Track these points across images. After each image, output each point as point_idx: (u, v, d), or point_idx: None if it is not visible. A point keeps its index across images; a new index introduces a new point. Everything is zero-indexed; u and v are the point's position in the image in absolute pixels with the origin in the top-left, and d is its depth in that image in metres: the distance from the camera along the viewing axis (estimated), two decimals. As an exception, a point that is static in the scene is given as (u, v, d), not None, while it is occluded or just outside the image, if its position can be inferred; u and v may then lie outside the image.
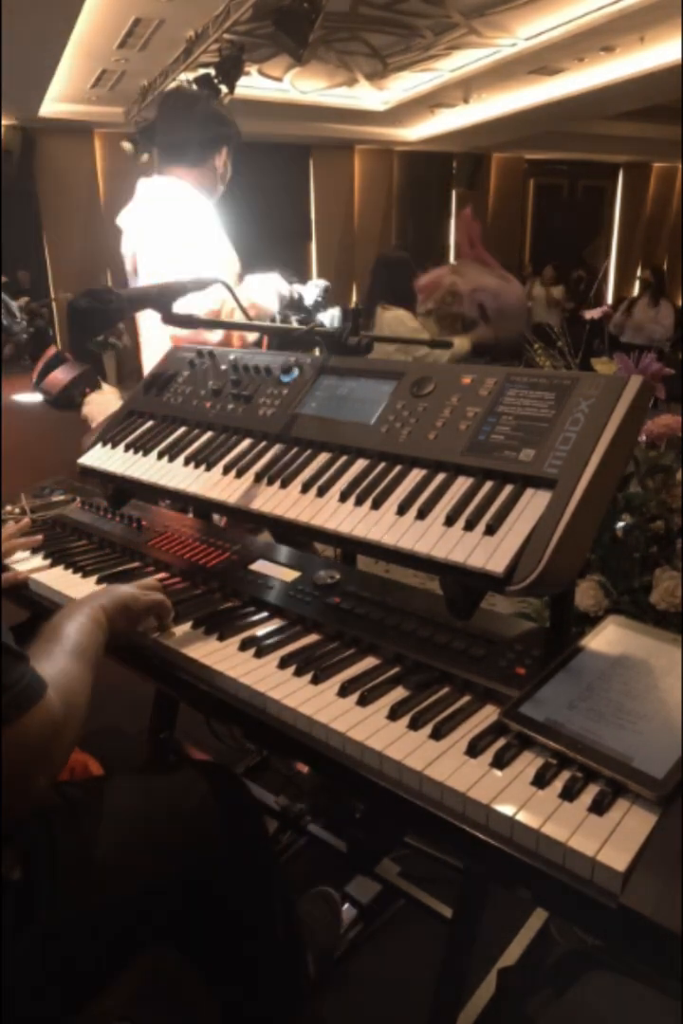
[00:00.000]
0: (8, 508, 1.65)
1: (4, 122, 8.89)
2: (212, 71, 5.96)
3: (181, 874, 1.01)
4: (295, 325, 1.49)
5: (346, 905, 1.67)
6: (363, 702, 0.93)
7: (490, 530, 0.93)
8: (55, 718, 0.83)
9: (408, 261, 3.45)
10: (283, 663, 1.03)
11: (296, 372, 1.34)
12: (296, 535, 1.26)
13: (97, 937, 0.95)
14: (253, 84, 7.60)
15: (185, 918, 1.05)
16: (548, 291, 9.81)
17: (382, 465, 1.12)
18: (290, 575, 1.28)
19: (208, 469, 1.28)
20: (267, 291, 2.11)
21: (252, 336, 2.05)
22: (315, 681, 0.98)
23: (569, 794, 0.77)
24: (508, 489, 0.98)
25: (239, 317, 1.58)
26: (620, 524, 1.79)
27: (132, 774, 1.17)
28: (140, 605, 1.11)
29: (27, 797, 0.84)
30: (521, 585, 0.87)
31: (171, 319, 1.32)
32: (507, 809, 0.76)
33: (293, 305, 2.14)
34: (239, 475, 1.23)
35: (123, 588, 1.13)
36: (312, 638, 1.11)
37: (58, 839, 0.96)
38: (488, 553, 0.91)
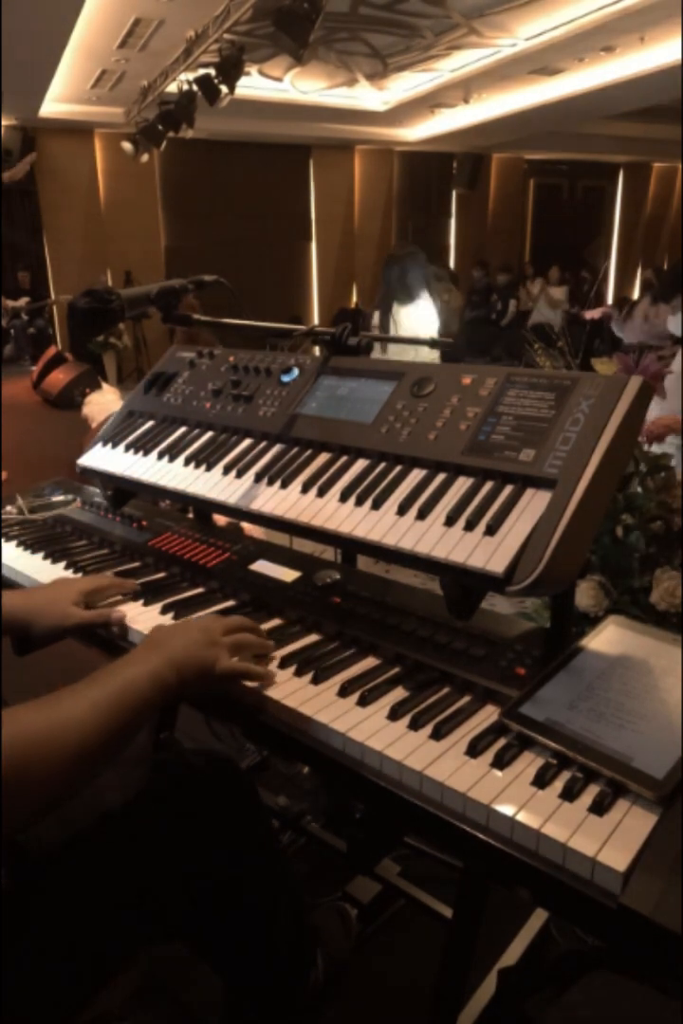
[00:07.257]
0: (8, 508, 1.65)
1: (4, 122, 8.89)
2: (212, 71, 5.96)
3: (185, 870, 1.01)
4: (295, 327, 1.48)
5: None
6: (363, 702, 0.93)
7: (490, 530, 0.93)
8: None
9: (418, 253, 3.44)
10: (283, 663, 1.03)
11: (296, 372, 1.34)
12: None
13: (96, 940, 0.95)
14: (253, 84, 7.60)
15: (191, 913, 1.05)
16: (550, 291, 9.88)
17: (382, 465, 1.12)
18: (290, 575, 1.28)
19: (208, 469, 1.28)
20: None
21: None
22: (315, 681, 0.98)
23: (569, 794, 0.77)
24: (508, 489, 0.98)
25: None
26: (620, 524, 1.79)
27: (131, 768, 1.14)
28: (220, 673, 0.95)
29: None
30: (521, 585, 0.87)
31: (171, 319, 1.32)
32: (507, 809, 0.76)
33: None
34: (239, 475, 1.23)
35: (205, 651, 0.95)
36: (312, 638, 1.11)
37: (55, 847, 0.95)
38: (488, 553, 0.91)
